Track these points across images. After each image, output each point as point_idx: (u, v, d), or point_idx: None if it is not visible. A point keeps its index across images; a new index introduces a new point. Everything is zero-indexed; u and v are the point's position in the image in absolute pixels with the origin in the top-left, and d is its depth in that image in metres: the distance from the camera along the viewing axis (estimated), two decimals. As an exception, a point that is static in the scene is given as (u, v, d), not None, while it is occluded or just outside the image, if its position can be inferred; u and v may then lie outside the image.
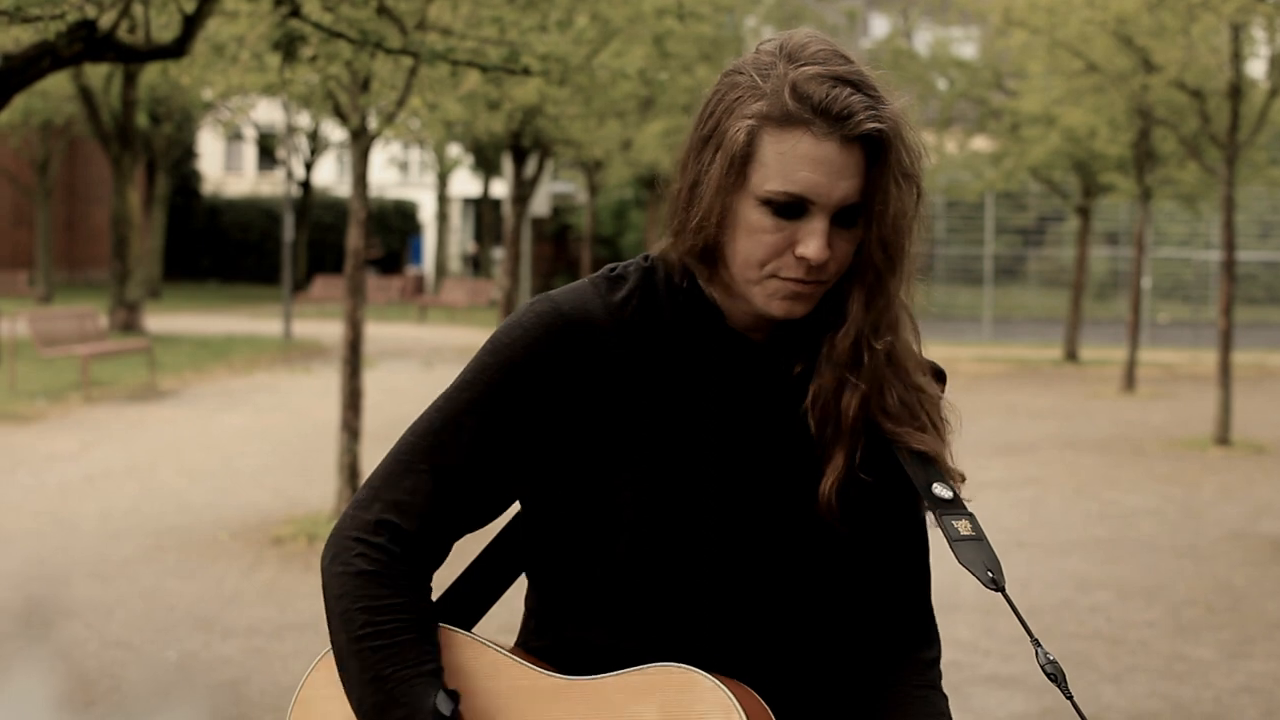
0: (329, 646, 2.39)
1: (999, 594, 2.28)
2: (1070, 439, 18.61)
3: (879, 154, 2.24)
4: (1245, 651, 8.99)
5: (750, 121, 2.24)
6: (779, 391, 2.37)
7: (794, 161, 2.22)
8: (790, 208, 2.23)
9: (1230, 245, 18.71)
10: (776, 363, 2.37)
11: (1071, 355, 30.56)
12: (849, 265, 2.31)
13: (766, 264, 2.25)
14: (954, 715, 2.50)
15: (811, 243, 2.23)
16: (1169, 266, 40.98)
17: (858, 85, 2.23)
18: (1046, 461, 16.66)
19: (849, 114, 2.21)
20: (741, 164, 2.24)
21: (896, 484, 2.39)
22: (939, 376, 2.47)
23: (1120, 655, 8.82)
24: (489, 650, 2.34)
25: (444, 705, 2.25)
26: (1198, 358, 30.83)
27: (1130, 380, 24.50)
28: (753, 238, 2.25)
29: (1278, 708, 7.91)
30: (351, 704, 2.30)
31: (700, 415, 2.34)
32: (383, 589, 2.30)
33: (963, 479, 2.42)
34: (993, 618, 9.26)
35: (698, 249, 2.31)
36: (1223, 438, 17.82)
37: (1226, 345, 18.23)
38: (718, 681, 2.22)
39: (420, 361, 26.78)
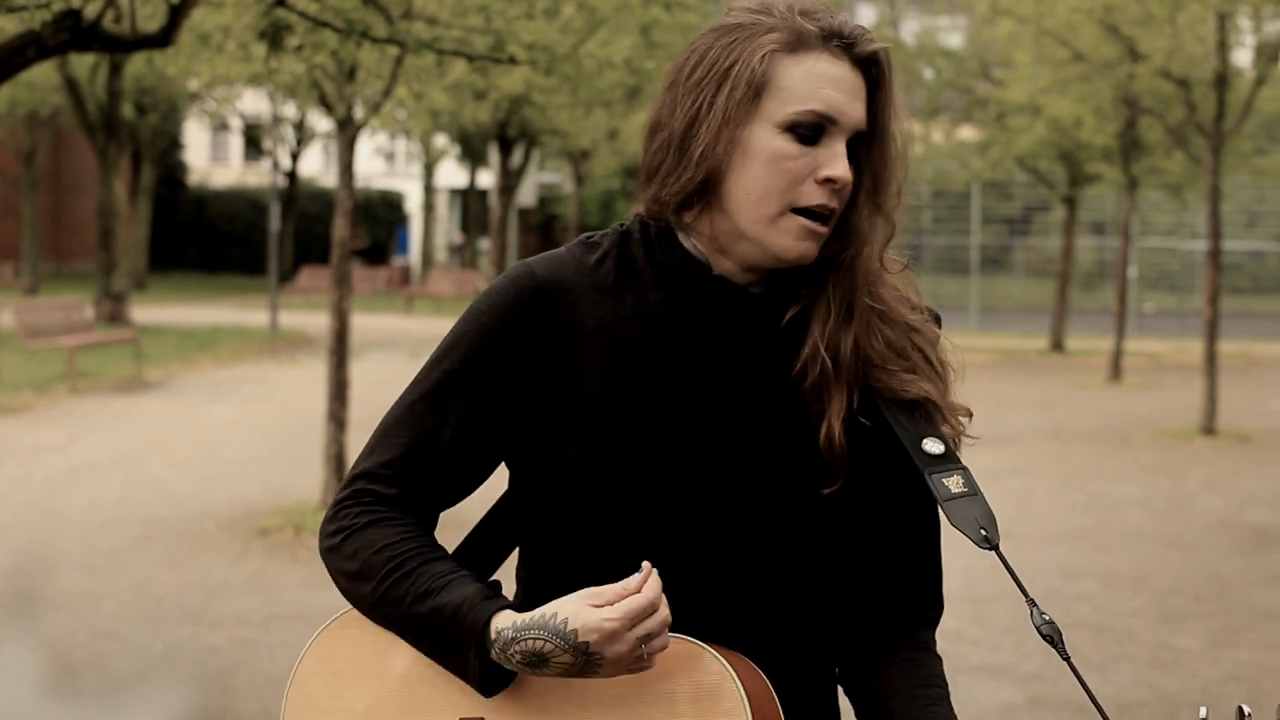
0: (314, 632, 2.37)
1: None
2: (1056, 429, 18.63)
3: (880, 76, 2.30)
4: (1231, 641, 9.01)
5: (765, 49, 2.26)
6: (770, 339, 2.34)
7: (816, 81, 2.25)
8: (813, 131, 2.25)
9: (1216, 235, 18.73)
10: (766, 309, 2.34)
11: (1058, 345, 30.58)
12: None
13: (788, 193, 2.25)
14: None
15: (838, 164, 2.25)
16: (1155, 256, 41.01)
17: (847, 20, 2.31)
18: (1033, 452, 16.68)
19: (857, 35, 2.28)
20: (757, 91, 2.25)
21: (895, 440, 2.36)
22: (934, 320, 2.44)
23: (1106, 644, 8.84)
24: None
25: (489, 587, 2.27)
26: (1183, 347, 30.85)
27: (1116, 370, 24.53)
28: (774, 165, 2.25)
29: (1263, 696, 7.93)
30: (420, 650, 2.30)
31: (689, 370, 2.32)
32: (392, 526, 2.31)
33: (969, 414, 2.41)
34: (981, 607, 9.26)
35: (693, 187, 2.28)
36: (1209, 427, 17.84)
37: (1212, 335, 18.26)
38: (713, 651, 2.21)
39: (406, 352, 26.73)
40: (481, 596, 2.25)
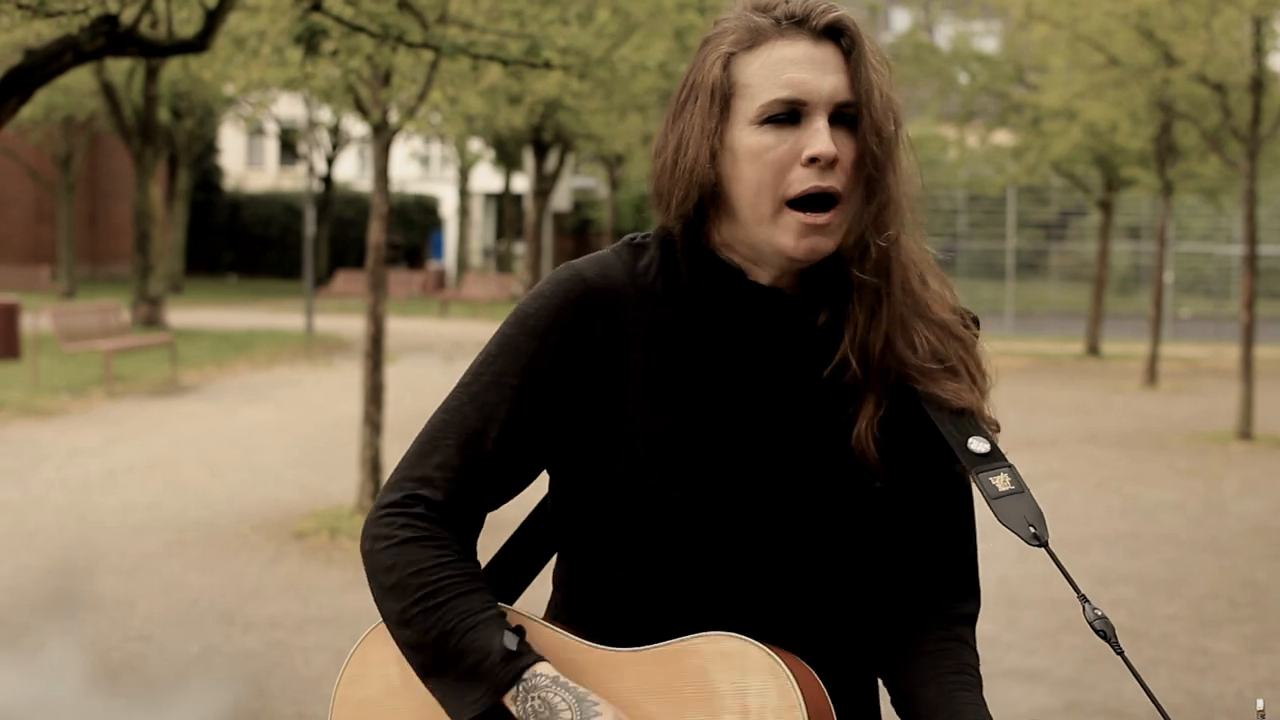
0: (353, 645, 2.38)
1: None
2: (1092, 433, 18.58)
3: (851, 45, 2.27)
4: (1267, 646, 8.97)
5: (722, 53, 2.28)
6: (808, 343, 2.33)
7: (776, 68, 2.25)
8: (788, 117, 2.24)
9: (1252, 239, 18.68)
10: (804, 314, 2.34)
11: (1093, 350, 30.51)
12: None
13: (779, 185, 2.24)
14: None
15: (816, 140, 2.23)
16: (1191, 261, 40.88)
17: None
18: (1068, 456, 16.64)
19: (809, 10, 2.27)
20: (724, 97, 2.27)
21: (932, 436, 2.35)
22: (974, 323, 2.42)
23: (1142, 649, 8.81)
24: (535, 624, 2.32)
25: (511, 642, 2.23)
26: (1220, 352, 30.75)
27: (1152, 375, 24.46)
28: (758, 161, 2.24)
29: (1300, 702, 7.90)
30: (418, 672, 2.28)
31: (732, 375, 2.32)
32: (430, 550, 2.28)
33: (997, 428, 2.37)
34: (1015, 611, 9.25)
35: (690, 205, 2.29)
36: (1245, 432, 17.79)
37: (1249, 339, 18.20)
38: (767, 649, 2.20)
39: (442, 356, 26.80)
40: (517, 650, 2.24)
